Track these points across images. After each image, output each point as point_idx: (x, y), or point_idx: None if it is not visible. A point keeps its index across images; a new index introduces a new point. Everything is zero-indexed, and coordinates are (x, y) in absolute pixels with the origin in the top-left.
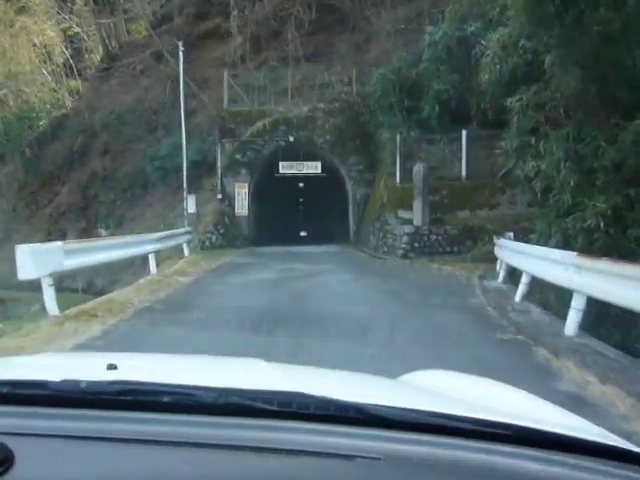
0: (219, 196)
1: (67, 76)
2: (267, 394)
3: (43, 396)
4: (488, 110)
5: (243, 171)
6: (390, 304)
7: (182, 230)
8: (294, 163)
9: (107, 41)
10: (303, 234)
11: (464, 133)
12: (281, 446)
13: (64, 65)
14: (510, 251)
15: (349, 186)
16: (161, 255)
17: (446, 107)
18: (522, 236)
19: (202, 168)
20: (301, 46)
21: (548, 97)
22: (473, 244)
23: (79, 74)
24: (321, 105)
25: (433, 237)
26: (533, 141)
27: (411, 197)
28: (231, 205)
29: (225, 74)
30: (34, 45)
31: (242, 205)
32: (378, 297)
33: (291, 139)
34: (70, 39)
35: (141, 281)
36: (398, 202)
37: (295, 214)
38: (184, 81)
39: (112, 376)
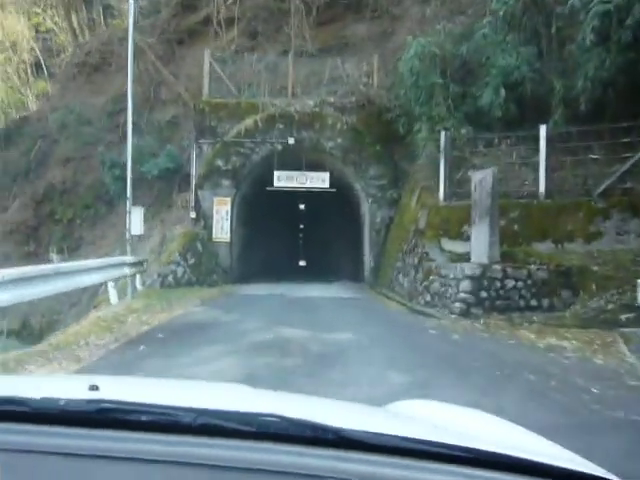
0: (192, 215)
1: (34, 75)
2: (244, 415)
3: (23, 413)
4: (581, 96)
5: (225, 182)
6: None
7: (96, 263)
8: (294, 174)
9: (80, 36)
10: (302, 264)
11: (543, 130)
12: (255, 466)
13: (31, 63)
14: None
15: (366, 206)
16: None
17: (515, 92)
18: None
19: (176, 179)
20: (309, 38)
21: None
22: (572, 296)
23: (49, 73)
24: (332, 99)
25: (510, 283)
26: None
27: (460, 221)
28: (208, 227)
29: (206, 54)
30: None
31: (222, 227)
32: None
33: (291, 142)
34: (42, 36)
35: None
36: (442, 227)
37: (293, 241)
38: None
39: (93, 396)
